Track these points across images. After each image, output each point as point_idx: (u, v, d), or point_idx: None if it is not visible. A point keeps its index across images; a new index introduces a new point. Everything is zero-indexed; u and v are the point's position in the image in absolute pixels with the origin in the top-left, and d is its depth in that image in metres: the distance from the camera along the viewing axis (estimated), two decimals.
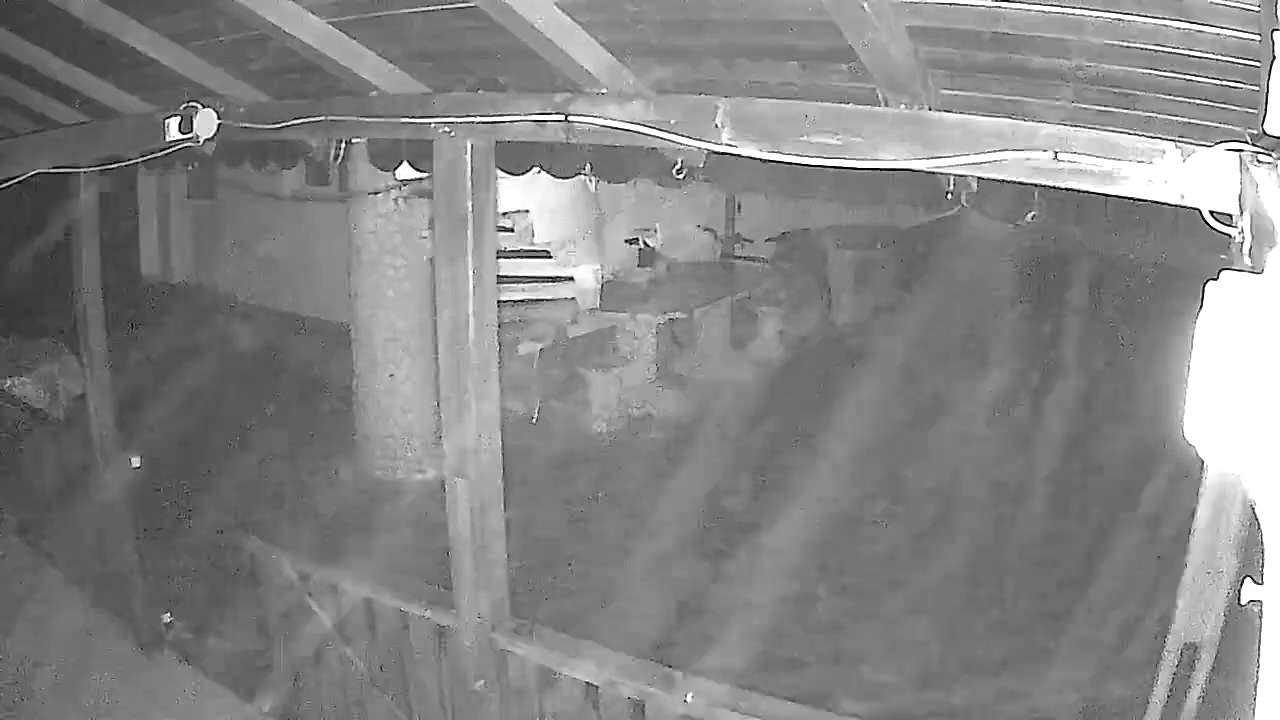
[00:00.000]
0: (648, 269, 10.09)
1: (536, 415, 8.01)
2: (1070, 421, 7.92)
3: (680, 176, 2.82)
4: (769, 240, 11.72)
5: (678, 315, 9.44)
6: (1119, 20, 1.98)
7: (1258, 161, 1.76)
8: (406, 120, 3.13)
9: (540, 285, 8.66)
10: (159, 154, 3.74)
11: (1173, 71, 2.10)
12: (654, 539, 6.12)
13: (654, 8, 2.58)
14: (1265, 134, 1.45)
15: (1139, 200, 2.07)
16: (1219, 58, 1.97)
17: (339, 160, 3.73)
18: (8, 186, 4.18)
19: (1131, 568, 5.33)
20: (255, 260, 10.50)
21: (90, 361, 4.82)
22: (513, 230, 8.57)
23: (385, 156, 3.60)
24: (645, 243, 10.17)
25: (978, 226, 9.96)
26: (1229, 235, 1.82)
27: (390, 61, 3.21)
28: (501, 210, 6.11)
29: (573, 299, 8.81)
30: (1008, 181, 2.25)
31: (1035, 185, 2.30)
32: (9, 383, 7.07)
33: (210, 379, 8.60)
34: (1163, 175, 2.01)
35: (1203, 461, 1.32)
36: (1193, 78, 2.10)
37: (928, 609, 5.29)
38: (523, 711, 3.30)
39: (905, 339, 10.70)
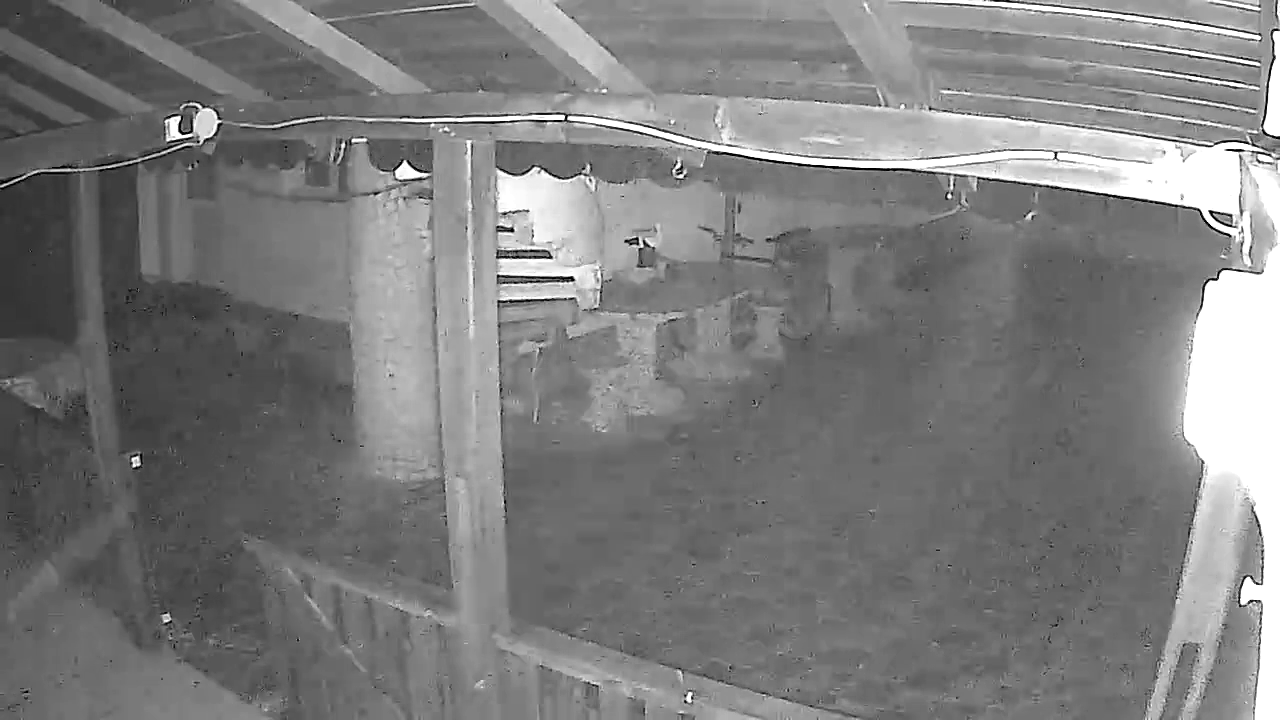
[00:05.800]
0: (648, 269, 10.08)
1: (536, 415, 8.02)
2: (1068, 420, 7.94)
3: (680, 176, 2.82)
4: (769, 240, 11.72)
5: (678, 315, 9.44)
6: (1119, 20, 1.98)
7: (1258, 161, 1.75)
8: (406, 120, 3.13)
9: (540, 285, 8.66)
10: (159, 154, 3.74)
11: (1173, 71, 2.10)
12: (654, 539, 6.12)
13: (654, 8, 2.58)
14: (1265, 134, 1.44)
15: (1139, 200, 2.07)
16: (1219, 58, 1.97)
17: (339, 160, 3.73)
18: (8, 186, 4.17)
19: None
20: (255, 260, 10.50)
21: (90, 361, 4.82)
22: (513, 230, 8.57)
23: (385, 156, 3.60)
24: (645, 243, 10.16)
25: (977, 226, 9.97)
26: (1229, 235, 1.82)
27: (390, 61, 3.21)
28: (501, 210, 6.09)
29: (573, 299, 8.81)
30: (1008, 181, 2.25)
31: (1035, 185, 2.30)
32: (9, 383, 7.06)
33: (210, 378, 8.62)
34: (1163, 175, 2.00)
35: (1203, 461, 1.32)
36: (1193, 78, 2.10)
37: (934, 610, 5.29)
38: (523, 712, 3.30)
39: (906, 339, 10.72)
